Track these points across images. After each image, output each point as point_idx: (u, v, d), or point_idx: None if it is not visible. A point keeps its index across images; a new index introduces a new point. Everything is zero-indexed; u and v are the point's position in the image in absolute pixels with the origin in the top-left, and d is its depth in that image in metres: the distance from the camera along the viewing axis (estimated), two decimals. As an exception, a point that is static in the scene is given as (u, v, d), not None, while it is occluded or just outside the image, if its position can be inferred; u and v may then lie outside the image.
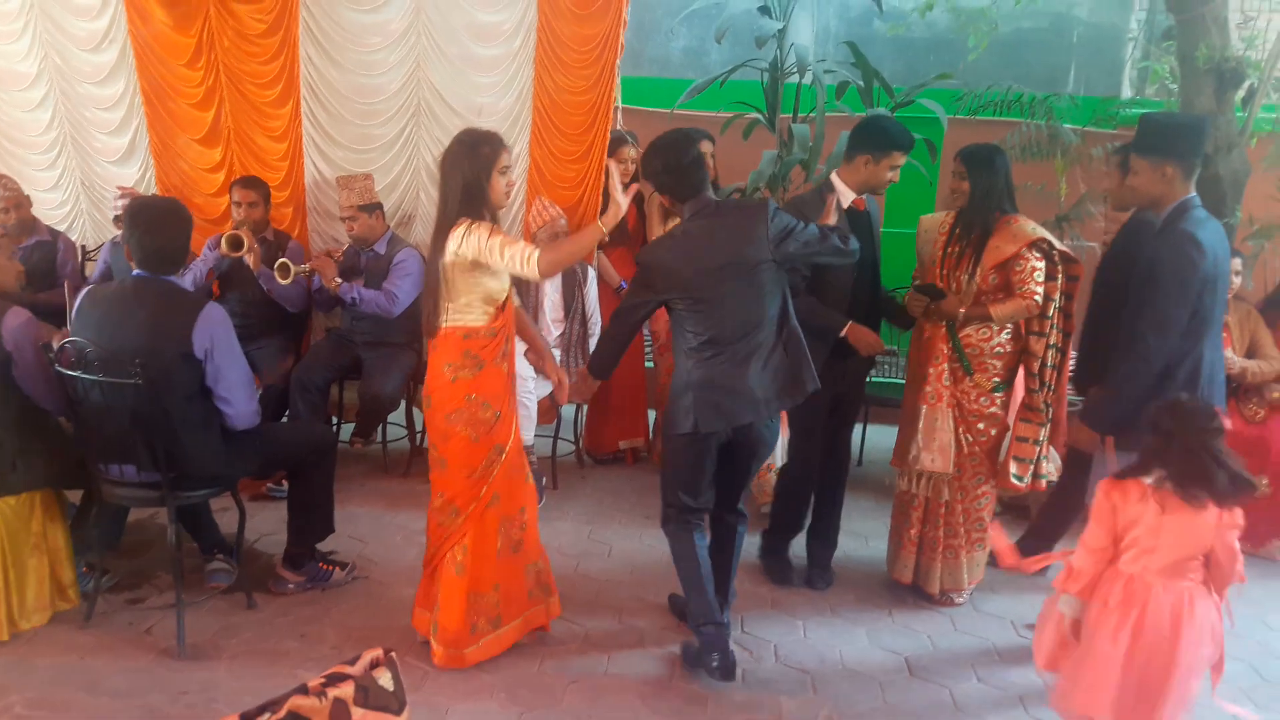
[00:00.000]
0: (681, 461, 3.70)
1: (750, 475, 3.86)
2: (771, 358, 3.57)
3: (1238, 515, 2.92)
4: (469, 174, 3.46)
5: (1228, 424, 2.97)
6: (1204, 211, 3.63)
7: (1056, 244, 4.02)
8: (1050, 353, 4.10)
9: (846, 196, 4.13)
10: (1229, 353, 4.94)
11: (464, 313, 3.54)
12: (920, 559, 4.31)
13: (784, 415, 4.41)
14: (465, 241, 3.42)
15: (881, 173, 4.07)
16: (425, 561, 3.77)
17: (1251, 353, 5.08)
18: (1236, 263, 4.93)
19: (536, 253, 3.39)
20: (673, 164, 3.62)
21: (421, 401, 3.77)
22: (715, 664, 3.55)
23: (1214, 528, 2.90)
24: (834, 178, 4.19)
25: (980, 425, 4.12)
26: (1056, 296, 4.03)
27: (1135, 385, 3.58)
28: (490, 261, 3.42)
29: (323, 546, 4.31)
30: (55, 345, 3.59)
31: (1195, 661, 2.94)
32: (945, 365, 4.09)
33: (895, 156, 4.05)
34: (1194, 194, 3.65)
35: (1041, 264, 3.97)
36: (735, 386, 3.54)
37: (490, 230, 3.44)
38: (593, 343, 5.50)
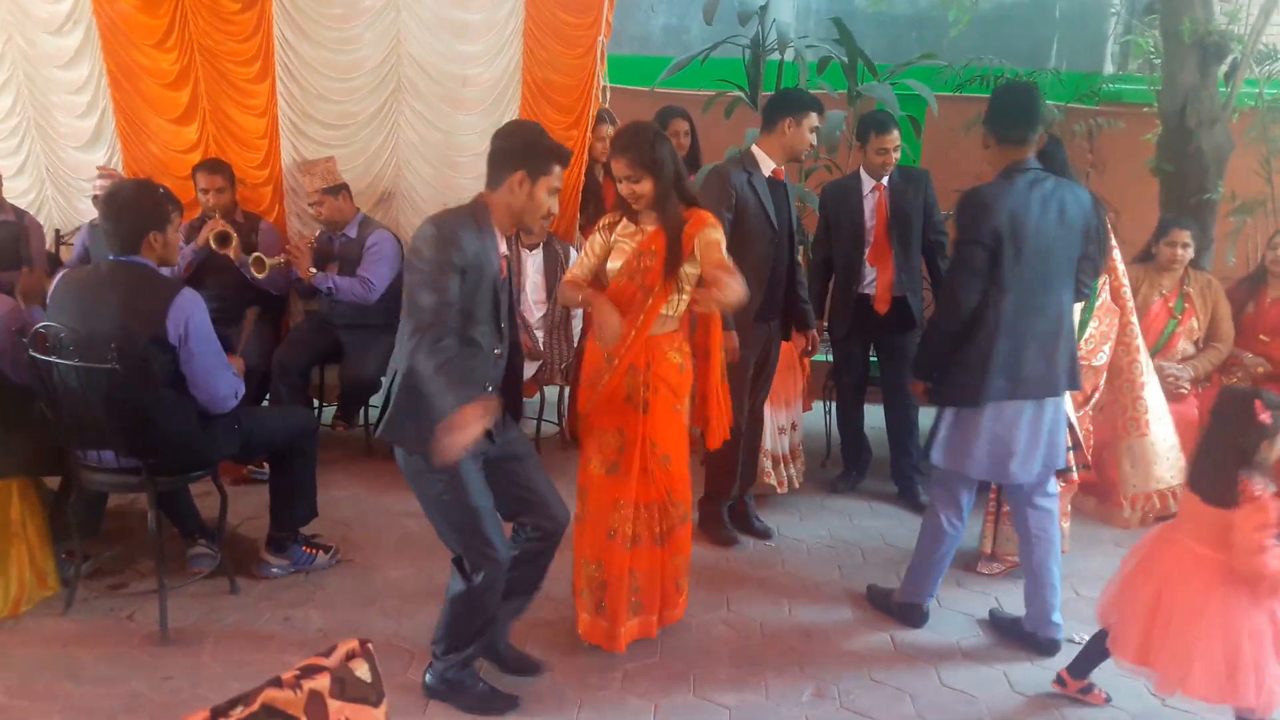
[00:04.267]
0: None
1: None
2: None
3: (1266, 514, 2.90)
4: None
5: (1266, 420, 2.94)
6: (1031, 174, 3.56)
7: None
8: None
9: (767, 166, 4.34)
10: (1174, 366, 5.01)
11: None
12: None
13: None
14: (601, 231, 3.61)
15: (803, 134, 4.31)
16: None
17: (1211, 328, 5.13)
18: (1186, 235, 5.04)
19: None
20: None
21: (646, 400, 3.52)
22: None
23: (1227, 516, 2.95)
24: (755, 149, 4.37)
25: None
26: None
27: (931, 334, 3.80)
28: None
29: (306, 530, 4.28)
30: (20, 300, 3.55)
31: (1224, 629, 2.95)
32: None
33: (812, 117, 4.31)
34: (1021, 159, 3.59)
35: None
36: None
37: (601, 231, 3.61)
38: (576, 324, 5.46)
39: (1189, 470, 3.20)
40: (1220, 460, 3.00)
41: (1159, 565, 3.14)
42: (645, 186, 3.42)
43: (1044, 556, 3.77)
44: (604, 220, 3.62)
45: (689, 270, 3.47)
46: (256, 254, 5.09)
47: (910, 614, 3.97)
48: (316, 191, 5.25)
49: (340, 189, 5.33)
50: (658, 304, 3.48)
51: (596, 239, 3.58)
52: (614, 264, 3.52)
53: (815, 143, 4.49)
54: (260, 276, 5.10)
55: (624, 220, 3.55)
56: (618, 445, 3.53)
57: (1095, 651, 3.37)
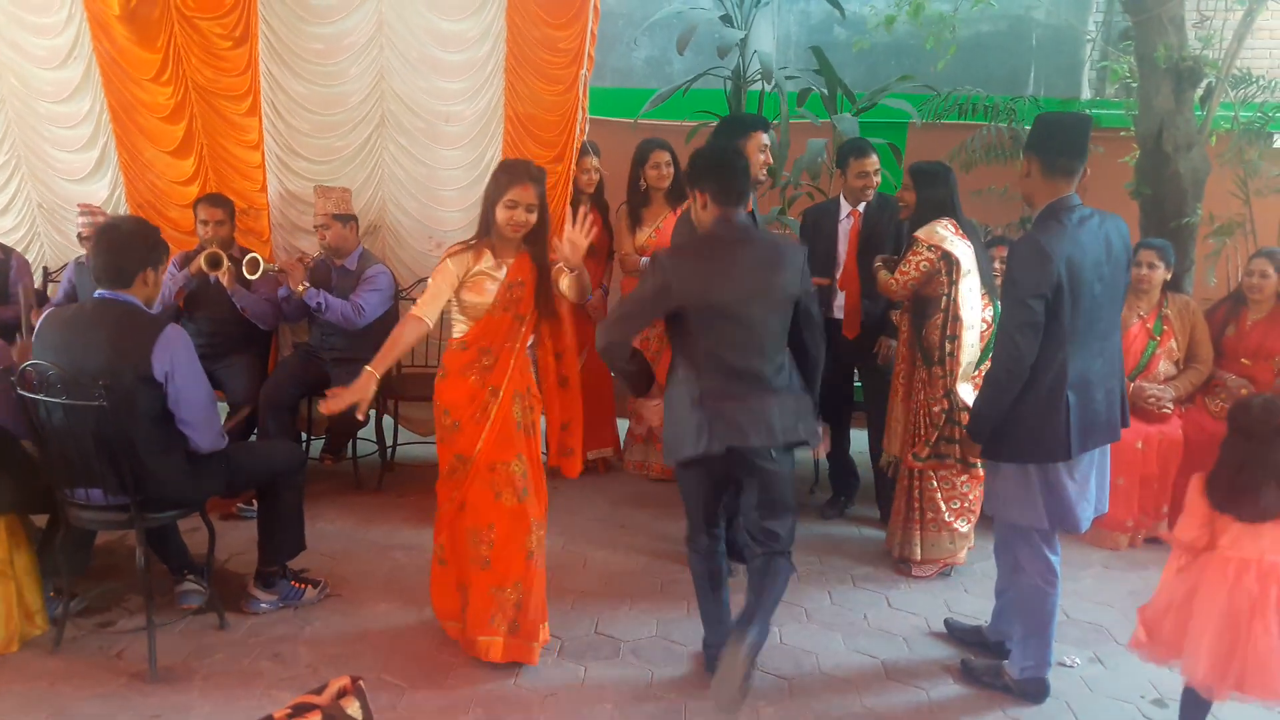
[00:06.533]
0: (691, 487, 3.58)
1: (769, 507, 3.47)
2: (787, 391, 3.42)
3: None
4: (486, 198, 3.66)
5: None
6: (1078, 213, 3.37)
7: (952, 253, 4.34)
8: (949, 343, 4.39)
9: None
10: (1156, 387, 5.06)
11: (454, 321, 3.73)
12: (904, 531, 4.67)
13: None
14: (457, 259, 3.64)
15: (755, 155, 4.26)
16: None
17: (1191, 350, 5.19)
18: (1152, 255, 5.08)
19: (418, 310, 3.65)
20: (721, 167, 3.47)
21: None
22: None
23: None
24: None
25: (935, 409, 4.43)
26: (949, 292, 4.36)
27: (990, 392, 3.46)
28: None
29: (294, 564, 4.28)
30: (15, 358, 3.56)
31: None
32: (903, 364, 4.63)
33: (760, 137, 4.30)
34: (1066, 195, 3.39)
35: (925, 256, 4.37)
36: (751, 407, 3.33)
37: (456, 259, 3.64)
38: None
39: (1213, 495, 3.01)
40: (1259, 480, 2.90)
41: (1220, 588, 2.96)
42: (534, 218, 3.63)
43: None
44: (455, 251, 3.67)
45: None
46: (252, 254, 5.13)
47: (1035, 689, 3.62)
48: (326, 215, 5.27)
49: (350, 219, 5.35)
50: (529, 331, 3.73)
51: (450, 269, 3.63)
52: (482, 299, 3.64)
53: (770, 161, 4.49)
54: (253, 277, 5.13)
55: (485, 252, 3.65)
56: (522, 471, 3.69)
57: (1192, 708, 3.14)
